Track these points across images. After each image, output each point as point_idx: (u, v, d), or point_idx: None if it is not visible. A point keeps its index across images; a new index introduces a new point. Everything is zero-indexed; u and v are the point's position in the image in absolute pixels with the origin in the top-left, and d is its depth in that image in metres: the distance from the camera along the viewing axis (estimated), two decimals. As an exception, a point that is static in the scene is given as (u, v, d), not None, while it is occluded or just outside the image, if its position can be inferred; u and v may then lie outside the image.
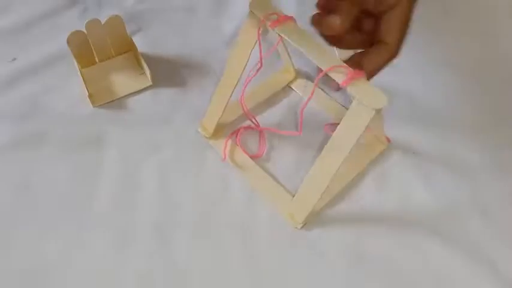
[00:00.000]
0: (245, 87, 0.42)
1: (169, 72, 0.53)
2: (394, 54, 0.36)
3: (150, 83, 0.52)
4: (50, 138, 0.47)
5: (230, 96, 0.43)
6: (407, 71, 0.54)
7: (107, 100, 0.50)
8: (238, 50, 0.41)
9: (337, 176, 0.42)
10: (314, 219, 0.42)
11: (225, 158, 0.46)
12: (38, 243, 0.40)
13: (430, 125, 0.50)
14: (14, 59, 0.54)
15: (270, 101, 0.52)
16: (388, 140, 0.47)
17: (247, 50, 0.40)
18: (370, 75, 0.36)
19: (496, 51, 0.58)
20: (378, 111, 0.34)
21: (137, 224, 0.42)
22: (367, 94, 0.34)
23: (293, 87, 0.53)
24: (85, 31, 0.49)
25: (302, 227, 0.42)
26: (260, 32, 0.37)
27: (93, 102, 0.50)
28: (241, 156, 0.46)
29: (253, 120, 0.47)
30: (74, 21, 0.57)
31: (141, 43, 0.54)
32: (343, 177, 0.45)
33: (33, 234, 0.41)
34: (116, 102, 0.50)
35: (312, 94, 0.37)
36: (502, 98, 0.53)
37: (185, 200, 0.43)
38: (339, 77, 0.34)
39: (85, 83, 0.49)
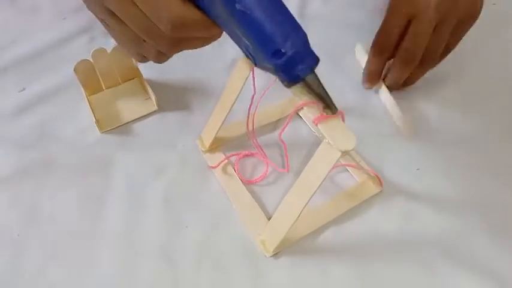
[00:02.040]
0: (250, 108, 0.43)
1: (174, 97, 0.54)
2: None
3: (155, 108, 0.53)
4: (57, 165, 0.48)
5: (228, 113, 0.44)
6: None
7: (113, 126, 0.51)
8: (238, 68, 0.41)
9: (323, 210, 0.44)
10: (290, 250, 0.42)
11: (213, 167, 0.47)
12: (45, 270, 0.40)
13: (439, 143, 0.51)
14: (23, 89, 0.55)
15: (275, 125, 0.52)
16: (381, 183, 0.46)
17: (248, 66, 0.40)
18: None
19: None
20: (345, 153, 0.33)
21: (144, 247, 0.42)
22: (336, 135, 0.33)
23: (301, 115, 0.53)
24: (91, 60, 0.50)
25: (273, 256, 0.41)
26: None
27: (100, 128, 0.50)
28: (233, 177, 0.47)
29: (256, 145, 0.48)
30: (81, 51, 0.58)
31: (146, 70, 0.55)
32: (330, 212, 0.44)
33: (41, 261, 0.41)
34: (122, 128, 0.51)
35: (288, 121, 0.39)
36: None
37: (190, 223, 0.44)
38: (312, 113, 0.34)
39: (92, 110, 0.51)
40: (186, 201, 0.45)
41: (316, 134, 0.51)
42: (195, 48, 0.34)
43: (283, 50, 0.28)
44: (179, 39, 0.32)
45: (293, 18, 0.29)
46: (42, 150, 0.49)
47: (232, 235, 0.43)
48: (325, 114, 0.32)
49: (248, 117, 0.45)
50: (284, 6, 0.29)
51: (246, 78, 0.40)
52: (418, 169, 0.48)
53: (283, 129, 0.42)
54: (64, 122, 0.52)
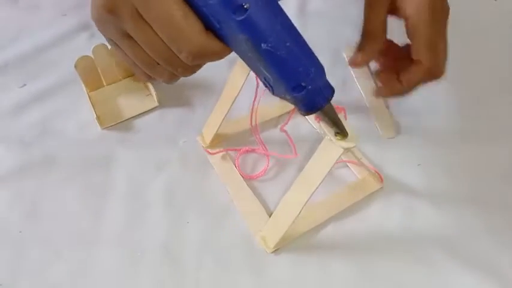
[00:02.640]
0: (253, 106, 0.43)
1: (174, 93, 0.54)
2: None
3: (156, 104, 0.53)
4: (58, 161, 0.48)
5: (229, 109, 0.44)
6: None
7: (114, 122, 0.51)
8: (239, 65, 0.42)
9: (324, 206, 0.44)
10: (290, 246, 0.42)
11: (210, 153, 0.47)
12: (47, 267, 0.40)
13: (438, 141, 0.51)
14: (24, 85, 0.55)
15: (277, 121, 0.52)
16: (381, 179, 0.46)
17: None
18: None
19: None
20: (347, 150, 0.34)
21: (146, 243, 0.42)
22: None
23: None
24: (92, 56, 0.50)
25: (273, 252, 0.41)
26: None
27: (101, 124, 0.50)
28: (234, 173, 0.47)
29: (258, 140, 0.48)
30: (82, 47, 0.58)
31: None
32: (330, 209, 0.44)
33: (42, 258, 0.41)
34: (123, 124, 0.51)
35: (291, 114, 0.39)
36: None
37: (191, 219, 0.44)
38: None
39: (93, 106, 0.51)
40: (187, 197, 0.45)
41: (317, 130, 0.51)
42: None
43: (303, 84, 0.30)
44: (196, 65, 0.32)
45: (312, 52, 0.30)
46: (43, 146, 0.49)
47: (233, 231, 0.43)
48: (336, 138, 0.34)
49: (252, 109, 0.45)
50: (304, 41, 0.30)
51: (247, 75, 0.40)
52: (419, 165, 0.48)
53: (286, 122, 0.42)
54: (65, 119, 0.52)
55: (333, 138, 0.34)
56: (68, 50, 0.59)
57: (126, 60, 0.34)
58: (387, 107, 0.54)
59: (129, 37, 0.31)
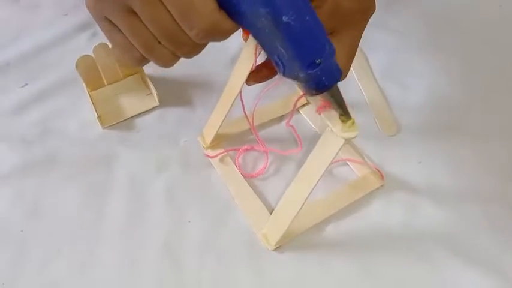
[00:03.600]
0: (255, 105, 0.42)
1: (175, 92, 0.54)
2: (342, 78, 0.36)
3: (157, 103, 0.53)
4: (60, 161, 0.48)
5: (229, 110, 0.44)
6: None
7: (115, 121, 0.51)
8: (240, 65, 0.42)
9: (325, 204, 0.44)
10: (292, 243, 0.42)
11: (209, 156, 0.47)
12: (49, 265, 0.40)
13: (439, 139, 0.50)
14: (25, 85, 0.55)
15: (276, 121, 0.52)
16: (382, 177, 0.46)
17: (248, 64, 0.40)
18: None
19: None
20: (348, 141, 0.34)
21: (147, 242, 0.42)
22: (339, 123, 0.34)
23: (301, 112, 0.53)
24: (93, 55, 0.50)
25: (275, 249, 0.41)
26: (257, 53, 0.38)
27: (102, 124, 0.51)
28: (234, 172, 0.47)
29: (258, 139, 0.48)
30: (83, 47, 0.59)
31: (147, 65, 0.55)
32: (332, 207, 0.44)
33: (44, 256, 0.41)
34: (124, 123, 0.51)
35: (293, 110, 0.39)
36: None
37: (193, 217, 0.44)
38: (315, 103, 0.35)
39: (94, 105, 0.51)
40: (188, 196, 0.45)
41: (316, 130, 0.51)
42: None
43: (317, 62, 0.30)
44: (202, 44, 0.31)
45: (325, 31, 0.30)
46: (45, 146, 0.49)
47: (234, 229, 0.43)
48: (341, 121, 0.34)
49: (256, 102, 0.44)
50: (319, 20, 0.30)
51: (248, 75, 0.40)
52: (420, 162, 0.48)
53: (290, 118, 0.42)
54: (66, 118, 0.52)
55: (334, 128, 0.34)
56: (68, 49, 0.59)
57: (120, 44, 0.32)
58: (388, 104, 0.54)
59: (131, 14, 0.29)
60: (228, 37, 0.30)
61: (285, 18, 0.28)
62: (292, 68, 0.31)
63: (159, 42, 0.31)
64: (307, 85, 0.32)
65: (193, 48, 0.31)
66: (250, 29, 0.30)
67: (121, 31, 0.31)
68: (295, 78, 0.32)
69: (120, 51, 0.33)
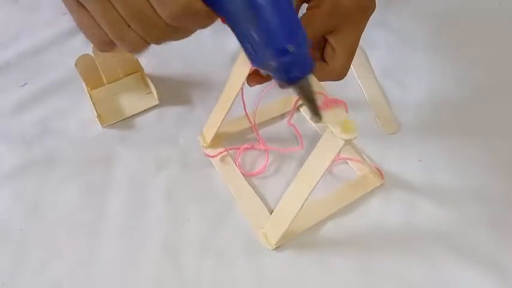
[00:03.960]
0: (257, 105, 0.42)
1: (175, 91, 0.54)
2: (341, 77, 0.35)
3: (157, 102, 0.53)
4: (59, 159, 0.48)
5: (229, 109, 0.44)
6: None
7: (115, 120, 0.51)
8: (239, 64, 0.42)
9: (325, 203, 0.44)
10: (292, 243, 0.42)
11: (209, 156, 0.47)
12: (48, 264, 0.41)
13: (439, 137, 0.50)
14: (25, 84, 0.55)
15: (276, 120, 0.52)
16: (382, 175, 0.46)
17: (248, 63, 0.40)
18: None
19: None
20: (348, 142, 0.34)
21: (147, 241, 0.42)
22: (339, 124, 0.34)
23: (301, 111, 0.53)
24: (92, 54, 0.50)
25: (275, 249, 0.41)
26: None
27: (102, 123, 0.51)
28: (234, 171, 0.47)
29: (259, 137, 0.48)
30: (82, 46, 0.58)
31: (147, 64, 0.55)
32: (332, 206, 0.44)
33: (43, 255, 0.41)
34: (124, 122, 0.51)
35: (294, 108, 0.38)
36: None
37: (192, 216, 0.44)
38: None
39: (94, 104, 0.51)
40: (187, 195, 0.45)
41: (317, 129, 0.51)
42: (178, 40, 0.31)
43: (289, 50, 0.29)
44: (173, 29, 0.29)
45: (298, 19, 0.30)
46: (44, 145, 0.49)
47: (234, 228, 0.43)
48: (312, 122, 0.33)
49: (258, 100, 0.44)
50: (293, 7, 0.29)
51: (248, 74, 0.40)
52: (419, 161, 0.48)
53: (291, 117, 0.42)
54: (66, 117, 0.52)
55: (334, 129, 0.33)
56: (68, 49, 0.59)
57: (87, 25, 0.30)
58: (388, 102, 0.54)
59: None
60: (204, 25, 0.29)
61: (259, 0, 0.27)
62: (263, 56, 0.30)
63: (128, 26, 0.29)
64: (279, 75, 0.31)
65: (164, 32, 0.29)
66: (223, 12, 0.29)
67: (88, 11, 0.30)
68: (266, 67, 0.31)
69: (86, 33, 0.31)
